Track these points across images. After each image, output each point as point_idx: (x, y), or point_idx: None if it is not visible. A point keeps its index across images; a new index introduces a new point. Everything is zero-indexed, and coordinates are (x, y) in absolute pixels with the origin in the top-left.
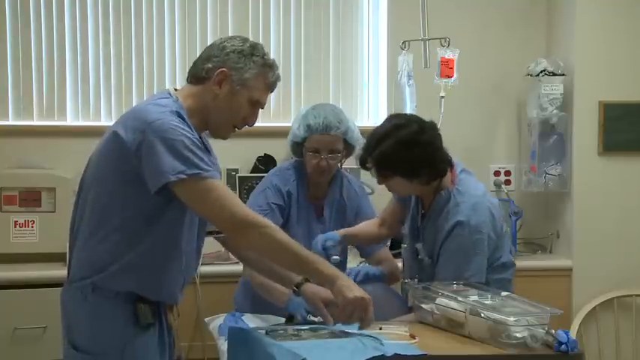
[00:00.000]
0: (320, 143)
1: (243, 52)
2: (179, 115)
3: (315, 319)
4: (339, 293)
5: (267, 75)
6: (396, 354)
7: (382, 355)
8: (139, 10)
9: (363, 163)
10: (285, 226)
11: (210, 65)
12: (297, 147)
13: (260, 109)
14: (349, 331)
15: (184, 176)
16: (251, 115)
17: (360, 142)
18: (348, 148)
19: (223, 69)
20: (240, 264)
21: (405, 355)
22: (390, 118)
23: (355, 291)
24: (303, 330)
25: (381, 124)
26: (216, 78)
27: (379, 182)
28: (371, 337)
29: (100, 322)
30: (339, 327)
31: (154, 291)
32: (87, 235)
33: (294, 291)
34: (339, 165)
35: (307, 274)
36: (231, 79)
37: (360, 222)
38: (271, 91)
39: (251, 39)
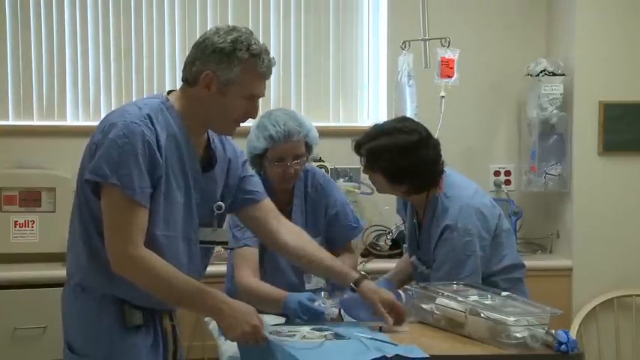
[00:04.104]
0: (284, 151)
1: (225, 51)
2: (149, 118)
3: (317, 306)
4: (225, 331)
5: (255, 66)
6: (397, 355)
7: (383, 355)
8: (139, 10)
9: (357, 148)
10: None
11: (195, 69)
12: (258, 159)
13: (261, 99)
14: (353, 332)
15: (100, 180)
16: (251, 109)
17: (317, 140)
18: (309, 148)
19: (208, 72)
20: None
21: (407, 357)
22: (402, 119)
23: (243, 326)
24: (306, 330)
25: (390, 120)
26: (202, 82)
27: (363, 171)
28: (379, 340)
29: (88, 323)
30: (341, 328)
31: (139, 297)
32: (75, 235)
33: (352, 288)
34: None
35: (191, 307)
36: (218, 80)
37: (334, 212)
38: (267, 78)
39: (234, 25)
